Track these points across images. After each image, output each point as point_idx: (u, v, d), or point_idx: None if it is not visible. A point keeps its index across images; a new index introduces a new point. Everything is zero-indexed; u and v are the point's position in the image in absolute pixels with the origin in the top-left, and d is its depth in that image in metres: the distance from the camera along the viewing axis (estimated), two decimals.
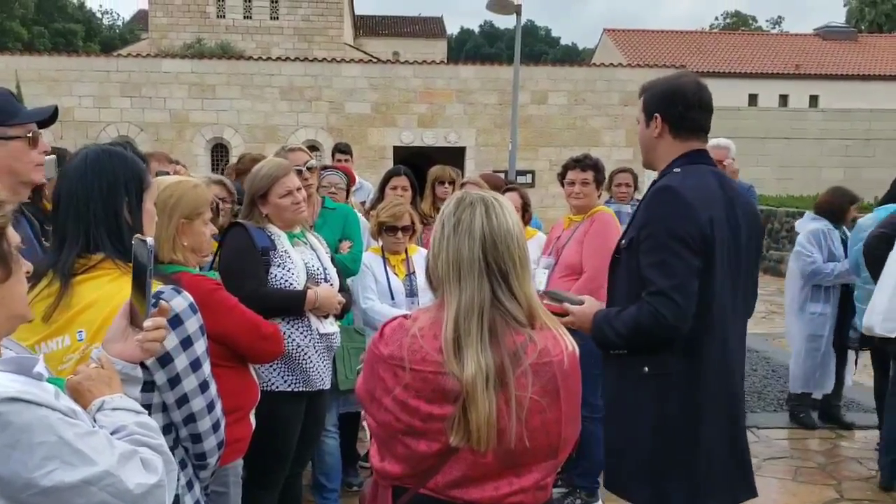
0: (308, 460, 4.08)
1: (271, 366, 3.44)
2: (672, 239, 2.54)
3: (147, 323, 1.71)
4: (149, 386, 1.88)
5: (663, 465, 2.64)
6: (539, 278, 4.74)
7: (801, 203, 17.62)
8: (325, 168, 5.44)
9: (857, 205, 6.27)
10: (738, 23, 63.52)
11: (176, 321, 1.89)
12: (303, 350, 3.49)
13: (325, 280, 3.60)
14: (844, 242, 6.15)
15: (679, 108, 2.72)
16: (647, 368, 2.63)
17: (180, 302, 1.94)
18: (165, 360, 1.90)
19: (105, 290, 1.94)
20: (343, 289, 3.76)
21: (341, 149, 8.18)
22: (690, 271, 2.54)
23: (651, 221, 2.61)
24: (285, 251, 3.51)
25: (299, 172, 3.90)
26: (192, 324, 1.97)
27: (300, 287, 3.47)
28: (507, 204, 1.92)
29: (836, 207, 6.24)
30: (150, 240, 1.70)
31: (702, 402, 2.65)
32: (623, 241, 2.77)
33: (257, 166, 3.76)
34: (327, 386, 3.66)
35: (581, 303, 2.80)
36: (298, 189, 3.59)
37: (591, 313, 2.75)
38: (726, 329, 2.70)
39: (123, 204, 2.02)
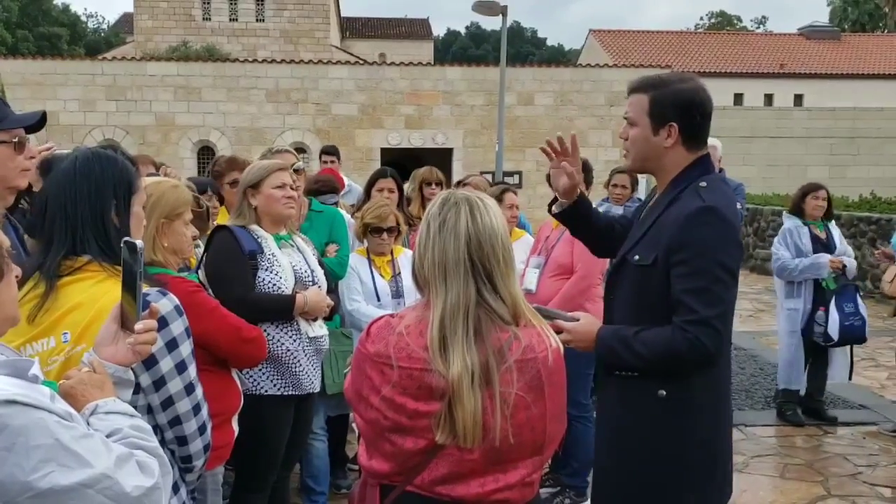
0: (295, 463, 4.07)
1: (260, 369, 3.42)
2: (719, 267, 2.40)
3: (138, 325, 1.71)
4: (134, 388, 1.87)
5: (684, 484, 2.54)
6: (529, 278, 4.75)
7: (787, 202, 17.69)
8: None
9: (815, 194, 6.36)
10: (724, 22, 63.84)
11: (161, 323, 1.89)
12: (292, 354, 3.47)
13: (313, 282, 3.59)
14: (817, 238, 6.30)
15: (697, 118, 2.56)
16: (663, 392, 2.48)
17: (166, 304, 1.94)
18: (150, 362, 1.90)
19: (90, 292, 1.93)
20: (331, 290, 3.75)
21: (327, 150, 8.19)
22: (731, 299, 2.46)
23: (694, 244, 2.41)
24: (272, 254, 3.49)
25: None
26: (178, 326, 1.96)
27: (288, 291, 3.46)
28: (492, 204, 1.93)
29: (796, 203, 6.45)
30: (140, 242, 1.70)
31: (722, 419, 2.62)
32: (636, 257, 2.55)
33: (254, 162, 3.77)
34: (317, 389, 3.65)
35: (574, 319, 2.61)
36: (291, 187, 3.61)
37: (593, 330, 2.56)
38: (730, 342, 2.66)
39: (111, 206, 2.02)
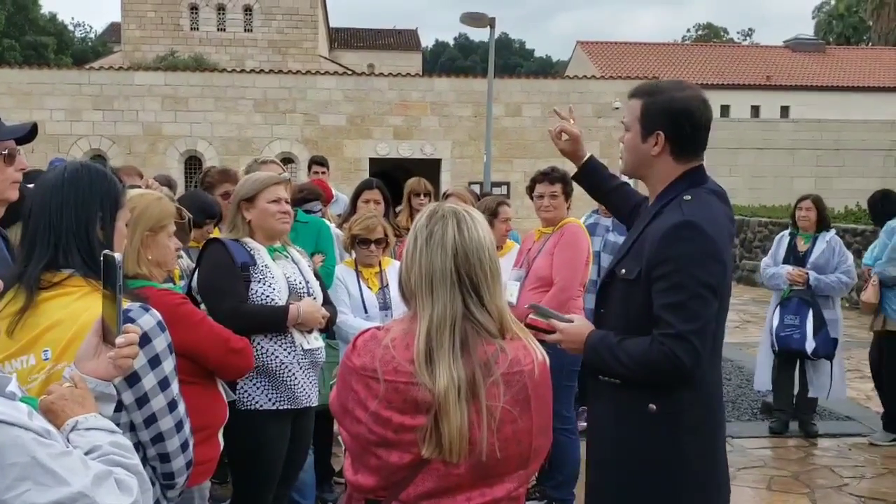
0: (295, 480, 3.99)
1: (255, 383, 3.39)
2: (697, 283, 2.37)
3: (119, 339, 1.69)
4: (116, 405, 1.85)
5: (676, 499, 2.53)
6: (510, 290, 4.75)
7: (773, 213, 17.81)
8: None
9: (799, 205, 6.53)
10: (710, 34, 64.30)
11: (144, 339, 1.87)
12: (287, 367, 3.44)
13: (308, 294, 3.57)
14: (794, 248, 6.44)
15: (686, 128, 2.51)
16: (653, 406, 2.46)
17: (148, 320, 1.92)
18: (133, 379, 1.88)
19: (71, 308, 1.91)
20: (327, 301, 3.73)
21: (318, 161, 8.18)
22: (710, 315, 2.42)
23: (672, 260, 2.39)
24: (265, 266, 3.46)
25: None
26: (161, 342, 1.95)
27: (282, 302, 3.43)
28: (479, 217, 1.93)
29: (791, 213, 6.71)
30: (118, 255, 1.70)
31: (716, 436, 2.58)
32: (623, 271, 2.55)
33: (248, 175, 3.74)
34: (314, 403, 3.60)
35: (569, 321, 2.62)
36: (286, 202, 3.59)
37: (584, 333, 2.56)
38: (720, 358, 2.64)
39: (97, 219, 2.01)
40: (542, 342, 2.14)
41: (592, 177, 3.08)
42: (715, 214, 2.51)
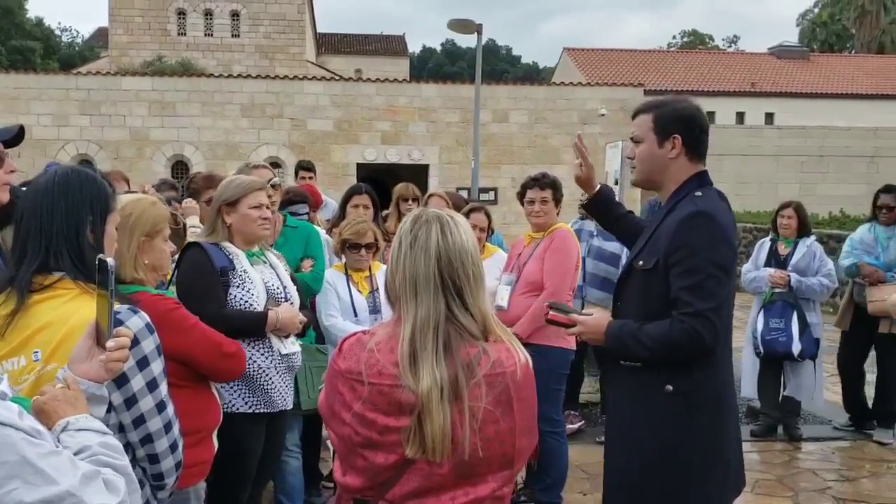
0: (267, 480, 4.05)
1: (232, 387, 3.41)
2: (712, 265, 2.60)
3: (110, 343, 1.72)
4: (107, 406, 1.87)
5: (686, 480, 2.68)
6: (501, 294, 4.80)
7: (758, 219, 17.91)
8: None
9: (780, 213, 6.59)
10: (696, 41, 64.64)
11: (132, 341, 1.89)
12: (264, 371, 3.47)
13: (286, 299, 3.59)
14: (775, 253, 6.50)
15: (697, 131, 2.80)
16: (670, 387, 2.64)
17: (136, 322, 1.95)
18: (121, 380, 1.90)
19: (61, 310, 1.93)
20: (303, 306, 3.75)
21: (305, 166, 8.17)
22: (725, 293, 2.63)
23: (687, 246, 2.63)
24: (244, 271, 3.48)
25: None
26: (149, 344, 1.97)
27: (261, 307, 3.45)
28: (463, 221, 1.97)
29: (772, 220, 6.76)
30: (111, 260, 1.72)
31: (726, 415, 2.76)
32: (640, 263, 2.77)
33: (230, 178, 3.75)
34: (289, 406, 3.65)
35: (588, 314, 2.85)
36: (267, 207, 3.60)
37: (603, 324, 2.77)
38: (731, 341, 2.83)
39: (87, 223, 2.03)
40: (528, 346, 2.19)
41: (603, 203, 3.31)
42: (722, 207, 2.77)
